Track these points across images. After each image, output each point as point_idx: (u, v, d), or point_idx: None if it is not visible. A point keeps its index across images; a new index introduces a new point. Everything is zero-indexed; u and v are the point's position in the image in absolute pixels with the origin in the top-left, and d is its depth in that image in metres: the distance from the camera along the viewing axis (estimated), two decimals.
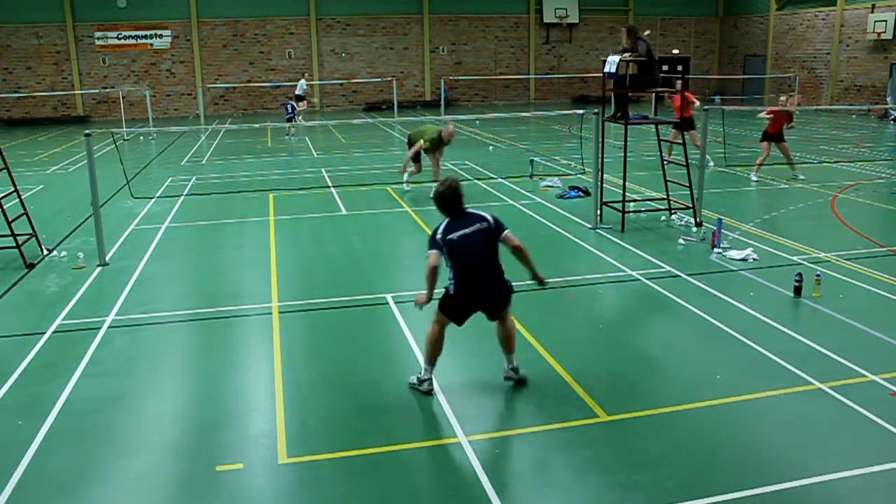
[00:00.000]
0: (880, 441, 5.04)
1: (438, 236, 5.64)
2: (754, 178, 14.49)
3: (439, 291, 5.72)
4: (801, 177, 14.45)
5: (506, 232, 5.72)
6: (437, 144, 13.26)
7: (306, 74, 29.37)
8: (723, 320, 7.18)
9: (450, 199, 5.70)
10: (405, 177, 13.97)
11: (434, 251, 5.63)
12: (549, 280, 6.12)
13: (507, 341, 5.93)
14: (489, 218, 5.73)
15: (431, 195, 5.69)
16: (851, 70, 29.62)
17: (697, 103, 15.05)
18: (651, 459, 4.86)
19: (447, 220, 5.72)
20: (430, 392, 5.78)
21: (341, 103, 34.11)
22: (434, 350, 5.84)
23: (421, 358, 6.45)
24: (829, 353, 6.38)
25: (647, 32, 10.69)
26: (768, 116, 14.50)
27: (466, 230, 5.63)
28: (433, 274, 5.61)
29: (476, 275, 5.66)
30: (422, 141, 13.23)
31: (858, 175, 15.07)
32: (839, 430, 5.20)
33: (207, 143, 22.62)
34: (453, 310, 5.77)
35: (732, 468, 4.74)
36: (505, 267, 5.78)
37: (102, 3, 30.93)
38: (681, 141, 12.25)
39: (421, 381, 5.84)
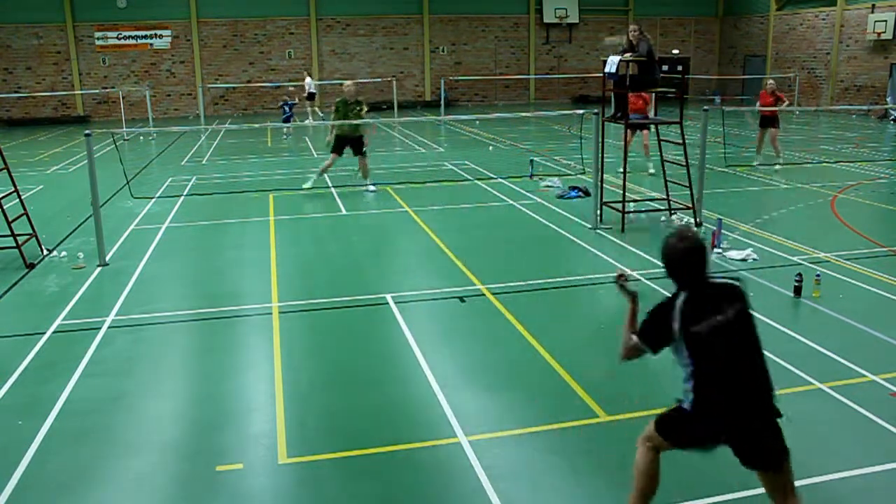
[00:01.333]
0: (880, 441, 5.04)
1: (676, 323, 3.64)
2: (756, 164, 15.60)
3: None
4: (777, 167, 15.40)
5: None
6: (346, 105, 13.43)
7: (307, 72, 29.40)
8: None
9: (695, 256, 3.70)
10: (313, 176, 14.05)
11: (645, 343, 3.85)
12: (549, 280, 6.06)
13: None
14: (743, 291, 3.74)
15: (663, 250, 3.78)
16: (851, 70, 29.62)
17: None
18: None
19: (685, 294, 3.69)
20: None
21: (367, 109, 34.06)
22: (647, 486, 3.90)
23: (421, 357, 6.46)
24: (829, 353, 6.38)
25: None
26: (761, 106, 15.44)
27: (719, 317, 3.62)
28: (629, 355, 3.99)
29: (736, 389, 3.63)
30: (333, 115, 13.53)
31: (858, 175, 15.08)
32: (839, 430, 5.20)
33: (207, 143, 22.63)
34: (687, 435, 3.81)
35: (732, 468, 4.71)
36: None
37: (102, 3, 30.93)
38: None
39: None
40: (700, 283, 3.72)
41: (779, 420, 3.69)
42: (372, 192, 13.87)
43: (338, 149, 13.81)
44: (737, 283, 3.76)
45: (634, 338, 3.84)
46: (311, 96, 26.56)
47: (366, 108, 13.91)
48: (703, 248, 3.73)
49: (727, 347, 3.61)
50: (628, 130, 12.48)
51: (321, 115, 26.24)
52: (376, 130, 14.15)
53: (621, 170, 11.74)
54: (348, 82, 14.04)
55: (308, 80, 26.95)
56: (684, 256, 3.70)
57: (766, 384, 3.67)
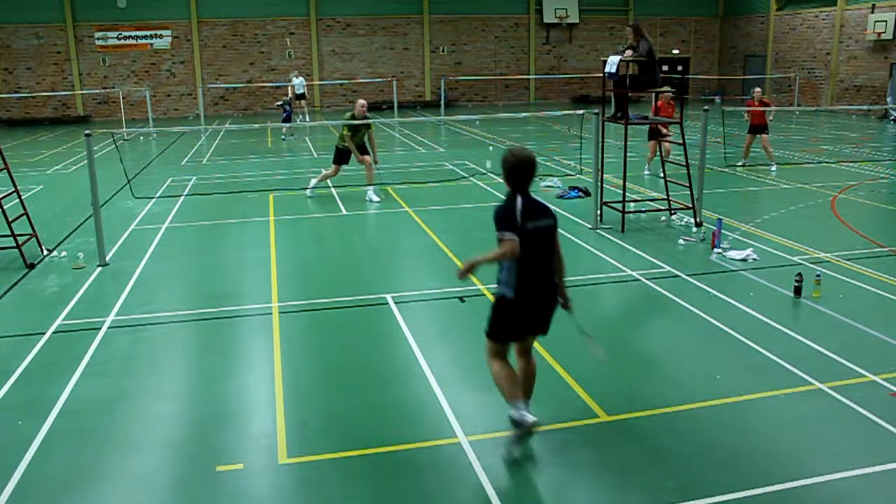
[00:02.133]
0: (880, 441, 5.03)
1: (519, 219, 4.59)
2: (740, 164, 15.94)
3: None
4: (773, 170, 15.52)
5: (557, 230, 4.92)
6: (356, 128, 12.96)
7: (296, 72, 29.15)
8: (723, 320, 7.18)
9: (530, 168, 4.71)
10: (312, 182, 13.66)
11: (514, 238, 4.56)
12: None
13: (531, 380, 5.07)
14: (553, 212, 4.86)
15: (504, 157, 4.75)
16: (851, 70, 29.62)
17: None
18: (651, 459, 4.85)
19: (522, 199, 4.67)
20: (534, 424, 4.75)
21: (341, 103, 34.10)
22: (510, 386, 4.80)
23: (421, 357, 6.46)
24: (829, 354, 6.38)
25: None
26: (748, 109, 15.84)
27: (540, 223, 4.70)
28: (503, 258, 4.65)
29: (538, 282, 4.78)
30: (343, 131, 13.02)
31: (858, 175, 15.08)
32: (839, 430, 5.20)
33: (208, 144, 22.63)
34: (511, 321, 4.82)
35: (732, 468, 4.74)
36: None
37: (102, 3, 30.93)
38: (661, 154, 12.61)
39: (515, 422, 4.79)
40: (527, 192, 4.74)
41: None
42: (378, 201, 13.25)
43: (340, 160, 13.46)
44: (547, 205, 4.86)
45: (507, 234, 4.57)
46: (299, 96, 26.40)
47: (373, 128, 13.40)
48: (536, 162, 4.78)
49: (541, 246, 4.73)
50: (652, 141, 12.69)
51: (308, 118, 26.05)
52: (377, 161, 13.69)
53: (660, 175, 11.84)
54: (361, 101, 13.25)
55: (296, 79, 26.60)
56: (523, 165, 4.71)
57: (553, 278, 4.90)
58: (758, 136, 15.77)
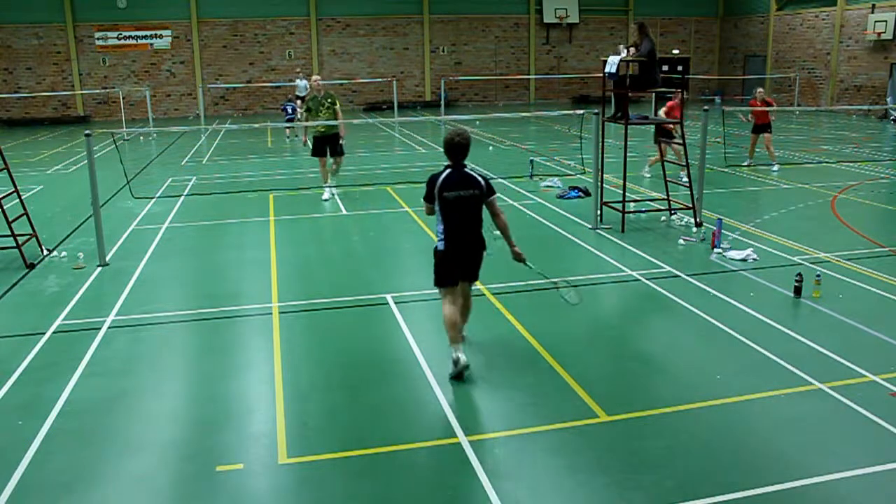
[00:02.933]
0: (880, 441, 5.03)
1: (437, 188, 5.98)
2: (775, 170, 15.70)
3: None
4: (775, 170, 15.56)
5: (493, 197, 6.13)
6: (316, 101, 12.98)
7: (301, 73, 29.21)
8: (723, 320, 7.18)
9: (457, 148, 6.01)
10: (327, 185, 13.33)
11: (428, 203, 6.10)
12: (550, 280, 6.14)
13: (467, 312, 6.52)
14: (483, 184, 6.08)
15: (445, 139, 6.08)
16: (851, 70, 29.62)
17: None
18: (651, 459, 4.86)
19: (447, 171, 6.01)
20: (466, 367, 5.96)
21: (341, 103, 34.09)
22: (453, 331, 6.06)
23: (421, 357, 6.47)
24: (829, 354, 6.38)
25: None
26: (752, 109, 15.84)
27: (462, 193, 5.98)
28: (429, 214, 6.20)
29: (461, 238, 6.09)
30: (306, 115, 12.96)
31: (859, 175, 15.08)
32: (839, 430, 5.20)
33: (208, 144, 22.63)
34: (443, 267, 6.15)
35: (732, 468, 4.74)
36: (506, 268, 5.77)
37: (102, 3, 30.94)
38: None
39: (454, 361, 5.97)
40: (459, 167, 6.03)
41: (485, 253, 6.23)
42: (326, 199, 13.10)
43: (318, 151, 13.25)
44: (479, 179, 6.06)
45: (425, 200, 6.09)
46: (300, 98, 26.46)
47: (339, 103, 13.29)
48: (467, 144, 6.05)
49: (464, 210, 5.99)
50: (659, 145, 12.64)
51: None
52: (346, 131, 13.56)
53: (685, 180, 11.89)
54: (315, 76, 13.40)
55: (299, 82, 26.74)
56: (451, 145, 5.99)
57: (480, 235, 6.12)
58: (761, 135, 15.79)
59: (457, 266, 6.12)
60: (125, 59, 31.77)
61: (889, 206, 12.48)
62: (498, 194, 6.33)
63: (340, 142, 13.29)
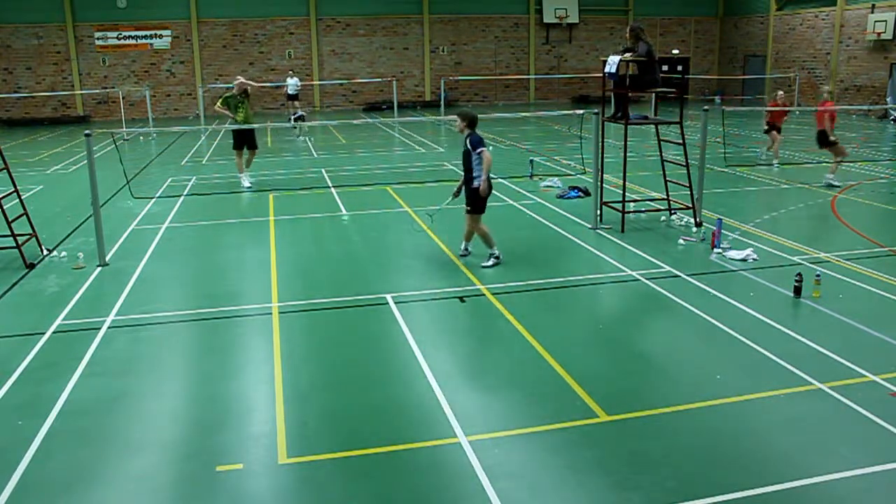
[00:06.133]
0: (880, 441, 5.04)
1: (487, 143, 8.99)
2: (776, 166, 16.00)
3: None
4: (775, 167, 15.93)
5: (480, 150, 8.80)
6: (234, 100, 14.21)
7: (291, 72, 29.42)
8: (723, 320, 7.18)
9: (477, 119, 9.01)
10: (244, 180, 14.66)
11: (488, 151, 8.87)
12: (550, 280, 6.14)
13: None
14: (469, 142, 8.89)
15: (467, 112, 9.01)
16: (851, 70, 29.62)
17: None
18: (651, 459, 4.86)
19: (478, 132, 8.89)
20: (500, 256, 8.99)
21: (341, 103, 34.12)
22: (490, 238, 9.03)
23: (421, 357, 6.47)
24: (829, 354, 6.38)
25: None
26: (771, 109, 16.46)
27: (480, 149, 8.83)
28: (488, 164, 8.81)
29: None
30: (220, 103, 14.34)
31: (858, 175, 15.08)
32: (839, 430, 5.20)
33: (208, 144, 22.63)
34: (483, 200, 8.90)
35: (732, 468, 4.74)
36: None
37: (102, 3, 30.93)
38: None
39: (496, 257, 9.02)
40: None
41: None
42: (247, 186, 14.43)
43: (238, 145, 14.65)
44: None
45: (486, 150, 8.80)
46: (291, 97, 27.45)
47: (247, 102, 14.47)
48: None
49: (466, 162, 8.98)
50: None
51: (301, 112, 26.26)
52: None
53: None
54: (239, 79, 14.81)
55: (290, 80, 27.31)
56: (476, 117, 8.97)
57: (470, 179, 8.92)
58: (773, 132, 16.36)
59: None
60: (125, 59, 31.76)
61: (889, 205, 12.48)
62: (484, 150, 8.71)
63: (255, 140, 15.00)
